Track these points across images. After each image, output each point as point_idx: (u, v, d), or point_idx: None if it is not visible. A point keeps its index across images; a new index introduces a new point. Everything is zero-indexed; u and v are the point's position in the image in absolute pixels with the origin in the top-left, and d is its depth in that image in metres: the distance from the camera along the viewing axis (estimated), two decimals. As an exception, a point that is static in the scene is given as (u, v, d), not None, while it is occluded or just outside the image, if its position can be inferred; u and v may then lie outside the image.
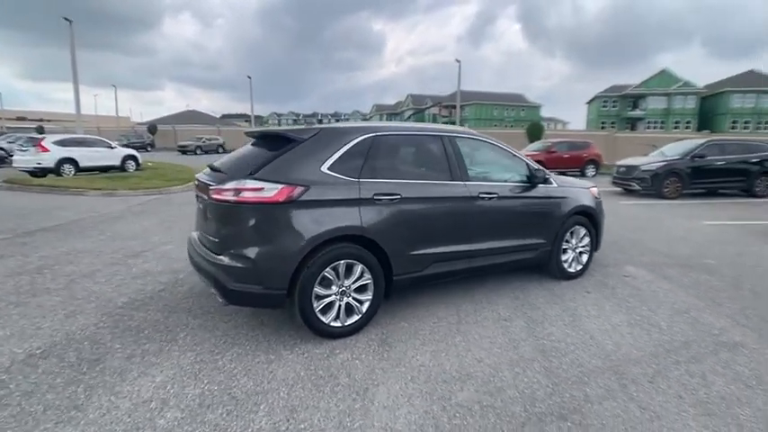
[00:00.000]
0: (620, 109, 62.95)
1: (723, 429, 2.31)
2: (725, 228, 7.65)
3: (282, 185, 2.94)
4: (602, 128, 57.55)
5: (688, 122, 56.68)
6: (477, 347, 3.16)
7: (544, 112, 78.78)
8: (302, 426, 2.27)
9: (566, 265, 4.63)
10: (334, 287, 3.17)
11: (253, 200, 2.91)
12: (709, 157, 11.39)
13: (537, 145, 18.77)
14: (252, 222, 2.94)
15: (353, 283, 3.24)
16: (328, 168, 3.17)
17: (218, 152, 33.59)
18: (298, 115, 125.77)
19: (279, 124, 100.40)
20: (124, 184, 11.47)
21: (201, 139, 33.55)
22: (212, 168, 3.49)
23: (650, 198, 11.24)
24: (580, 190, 4.77)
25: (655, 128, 56.81)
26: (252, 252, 2.93)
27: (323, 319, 3.13)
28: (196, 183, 3.51)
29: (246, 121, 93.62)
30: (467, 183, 3.82)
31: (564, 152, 17.97)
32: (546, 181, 4.37)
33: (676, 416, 2.42)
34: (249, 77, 37.45)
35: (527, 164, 4.37)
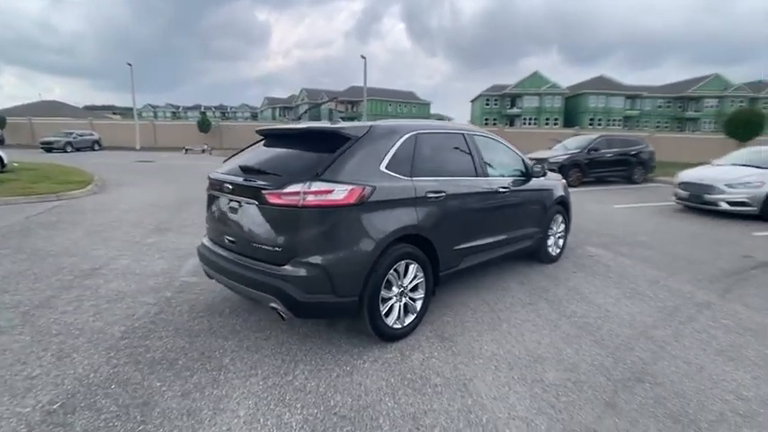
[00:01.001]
0: (501, 107, 69.71)
1: (747, 367, 2.85)
2: (631, 210, 9.08)
3: (353, 186, 2.78)
4: (486, 124, 63.32)
5: (556, 119, 65.01)
6: (527, 331, 3.37)
7: (432, 110, 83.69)
8: (436, 430, 2.22)
9: (550, 250, 5.11)
10: (394, 288, 3.10)
11: (323, 203, 2.70)
12: (601, 150, 13.34)
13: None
14: (322, 227, 2.73)
15: (410, 282, 3.20)
16: (386, 167, 3.08)
17: (93, 149, 29.20)
18: (177, 107, 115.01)
19: (155, 117, 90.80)
20: (3, 190, 9.42)
21: (72, 134, 28.67)
22: (243, 169, 3.13)
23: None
24: (557, 182, 5.29)
25: (530, 124, 64.12)
26: (324, 259, 2.72)
27: (387, 321, 3.05)
28: (225, 185, 3.10)
29: (116, 113, 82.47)
30: (487, 178, 4.00)
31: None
32: (538, 174, 4.76)
33: (712, 364, 2.90)
34: (130, 65, 32.94)
35: (522, 158, 4.71)
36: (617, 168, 13.76)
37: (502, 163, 4.45)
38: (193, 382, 2.63)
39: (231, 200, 3.07)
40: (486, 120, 68.99)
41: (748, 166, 8.03)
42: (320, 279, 2.71)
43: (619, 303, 3.95)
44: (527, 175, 4.64)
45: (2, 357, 2.88)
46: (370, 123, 3.25)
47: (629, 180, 14.00)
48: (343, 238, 2.78)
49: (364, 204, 2.83)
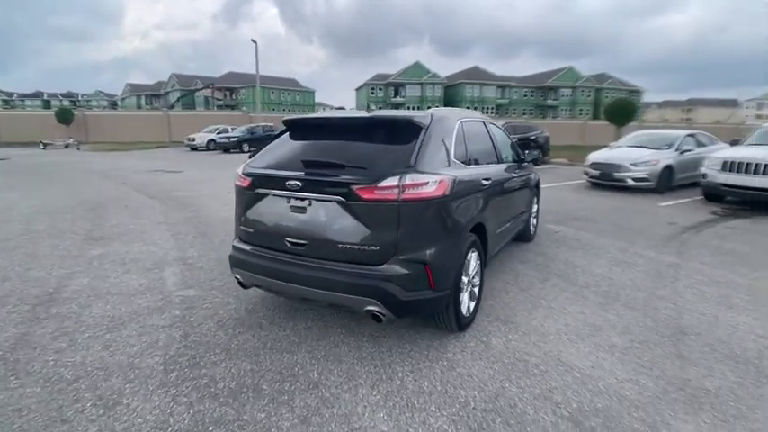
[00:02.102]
0: (386, 96, 71.79)
1: (744, 312, 3.52)
2: (552, 189, 10.24)
3: (441, 177, 2.71)
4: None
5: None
6: (566, 304, 3.67)
7: (316, 98, 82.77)
8: (575, 405, 2.34)
9: (531, 229, 5.57)
10: (464, 278, 3.12)
11: (419, 196, 2.58)
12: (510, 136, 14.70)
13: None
14: (421, 221, 2.61)
15: (473, 270, 3.25)
16: (454, 157, 3.05)
17: None
18: (10, 95, 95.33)
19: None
20: None
21: None
22: (307, 164, 2.81)
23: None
24: (531, 166, 5.75)
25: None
26: (425, 254, 2.62)
27: (462, 310, 3.07)
28: (289, 182, 2.74)
29: None
30: (504, 164, 4.20)
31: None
32: (528, 159, 5.13)
33: (720, 313, 3.50)
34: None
35: (514, 144, 5.02)
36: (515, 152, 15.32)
37: (506, 149, 4.69)
38: (300, 406, 2.34)
39: (295, 198, 2.74)
40: (380, 107, 70.59)
41: (643, 147, 9.64)
42: (421, 275, 2.61)
43: (613, 271, 4.50)
44: (520, 159, 4.96)
45: (29, 419, 2.21)
46: (429, 111, 3.18)
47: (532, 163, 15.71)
48: (439, 231, 2.71)
49: (451, 195, 2.77)
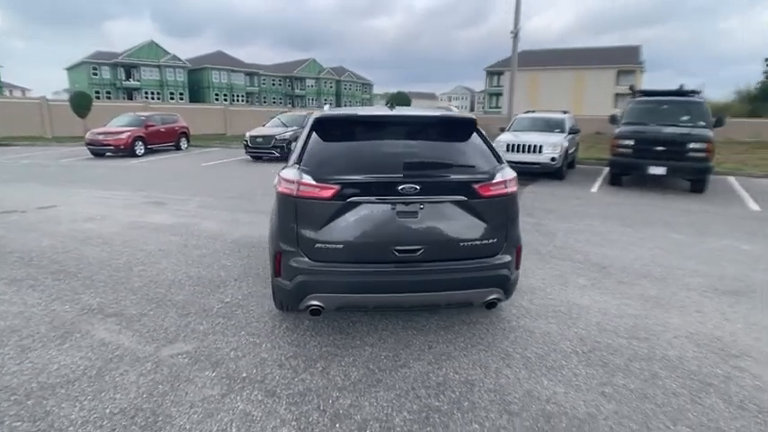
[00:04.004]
0: (114, 78, 60.01)
1: (744, 261, 5.34)
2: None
3: (514, 172, 3.03)
4: (98, 97, 53.16)
5: (181, 94, 62.46)
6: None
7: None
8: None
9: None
10: None
11: (514, 189, 2.93)
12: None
13: (126, 119, 16.48)
14: (515, 210, 2.97)
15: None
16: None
17: None
18: None
19: None
20: None
21: None
22: (408, 166, 2.75)
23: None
24: None
25: (153, 99, 58.57)
26: (518, 238, 3.00)
27: None
28: (401, 186, 2.64)
29: None
30: None
31: (160, 126, 17.07)
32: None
33: (754, 273, 5.18)
34: None
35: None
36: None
37: None
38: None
39: (405, 202, 2.66)
40: (98, 93, 57.84)
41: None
42: (516, 256, 3.00)
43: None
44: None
45: None
46: (449, 108, 3.47)
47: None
48: (518, 216, 3.07)
49: None
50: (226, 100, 64.27)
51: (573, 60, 48.22)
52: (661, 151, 8.36)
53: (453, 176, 2.78)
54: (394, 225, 2.69)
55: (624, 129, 9.04)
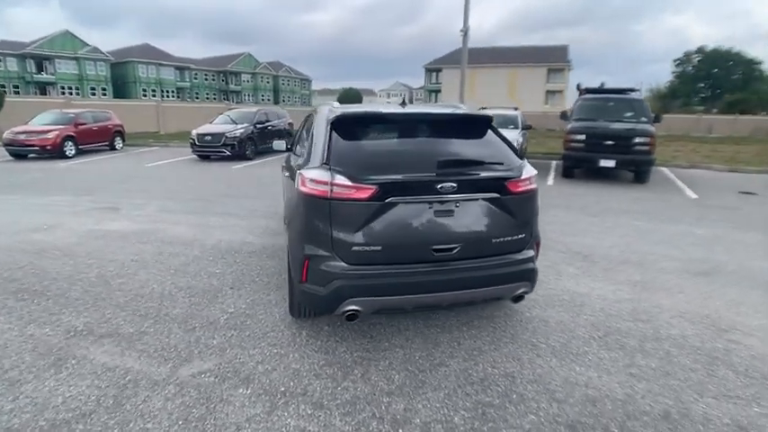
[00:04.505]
0: (22, 70, 53.85)
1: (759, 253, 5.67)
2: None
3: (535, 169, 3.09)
4: (4, 91, 47.56)
5: (104, 90, 57.47)
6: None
7: None
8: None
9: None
10: None
11: (536, 186, 2.99)
12: (265, 123, 14.65)
13: (51, 117, 14.81)
14: (536, 207, 3.03)
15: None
16: None
17: None
18: None
19: None
20: None
21: None
22: (442, 164, 2.72)
23: (241, 161, 13.14)
24: None
25: (71, 94, 53.50)
26: (539, 236, 3.08)
27: None
28: (439, 185, 2.61)
29: None
30: None
31: (92, 124, 15.59)
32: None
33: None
34: None
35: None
36: (276, 140, 15.55)
37: None
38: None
39: (442, 201, 2.64)
40: (3, 86, 51.59)
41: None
42: (537, 251, 3.06)
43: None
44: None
45: None
46: (458, 105, 3.49)
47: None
48: None
49: None
50: (155, 96, 60.04)
51: (507, 59, 50.53)
52: (610, 145, 9.03)
53: (486, 174, 2.79)
54: (431, 224, 2.67)
55: (576, 125, 9.65)
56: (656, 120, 9.56)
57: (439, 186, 2.59)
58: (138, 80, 60.16)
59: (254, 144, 13.88)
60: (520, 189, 2.84)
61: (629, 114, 9.67)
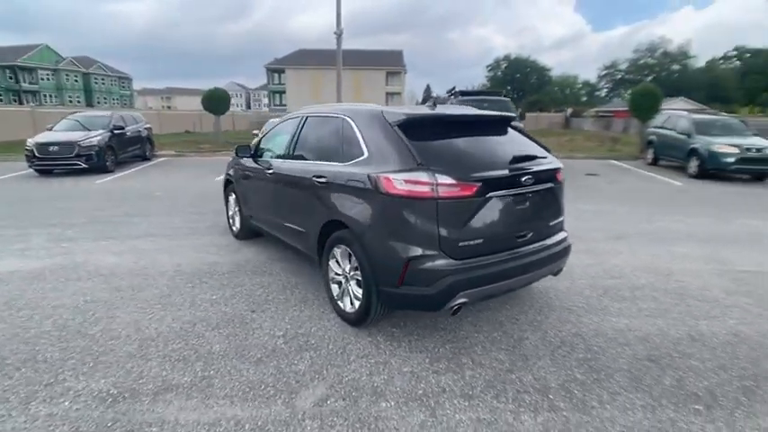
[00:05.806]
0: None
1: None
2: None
3: None
4: None
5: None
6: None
7: None
8: (593, 272, 4.35)
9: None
10: None
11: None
12: (124, 128, 12.52)
13: None
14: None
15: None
16: None
17: None
18: None
19: None
20: None
21: None
22: (515, 159, 3.05)
23: (101, 174, 11.06)
24: None
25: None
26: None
27: None
28: (522, 178, 2.93)
29: None
30: None
31: None
32: None
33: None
34: None
35: None
36: (136, 147, 13.44)
37: None
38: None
39: (520, 193, 2.95)
40: None
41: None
42: None
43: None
44: None
45: None
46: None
47: (144, 158, 14.01)
48: None
49: None
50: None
51: (350, 61, 52.42)
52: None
53: (545, 167, 3.21)
54: (516, 214, 3.00)
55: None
56: (522, 117, 11.52)
57: (523, 179, 2.93)
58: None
59: (113, 154, 11.77)
60: (560, 177, 3.36)
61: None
